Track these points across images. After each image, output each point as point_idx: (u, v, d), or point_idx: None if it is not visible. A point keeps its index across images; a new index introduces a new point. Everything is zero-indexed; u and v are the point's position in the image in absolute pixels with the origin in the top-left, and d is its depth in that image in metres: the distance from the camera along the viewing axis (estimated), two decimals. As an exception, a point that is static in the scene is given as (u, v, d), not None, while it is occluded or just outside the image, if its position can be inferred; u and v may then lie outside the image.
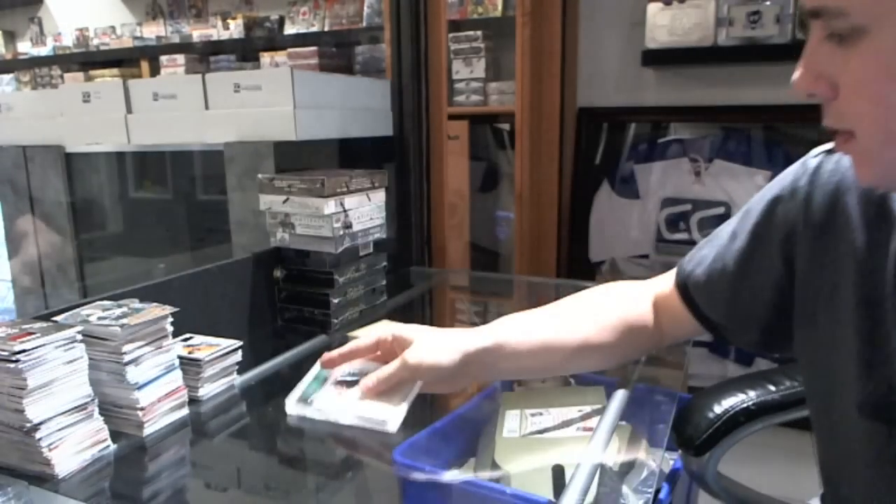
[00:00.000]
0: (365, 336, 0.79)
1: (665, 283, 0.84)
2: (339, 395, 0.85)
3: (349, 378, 0.89)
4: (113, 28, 3.56)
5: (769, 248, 0.69)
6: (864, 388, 0.59)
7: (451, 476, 0.75)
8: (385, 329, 0.79)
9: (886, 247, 0.58)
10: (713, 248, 0.77)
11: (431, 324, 1.42)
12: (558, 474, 0.69)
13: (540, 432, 0.79)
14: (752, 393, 0.91)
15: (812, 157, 0.67)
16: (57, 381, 0.72)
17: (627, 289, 0.87)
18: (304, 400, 0.85)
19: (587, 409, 0.83)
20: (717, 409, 0.90)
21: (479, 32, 2.37)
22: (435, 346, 0.72)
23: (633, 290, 0.86)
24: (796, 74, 0.52)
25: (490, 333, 0.74)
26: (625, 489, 0.72)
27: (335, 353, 0.79)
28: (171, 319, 0.84)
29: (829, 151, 0.66)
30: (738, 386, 0.94)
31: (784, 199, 0.67)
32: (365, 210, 1.27)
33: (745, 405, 0.90)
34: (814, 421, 0.69)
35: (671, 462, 0.95)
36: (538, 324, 0.79)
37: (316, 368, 0.92)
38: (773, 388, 0.92)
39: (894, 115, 0.47)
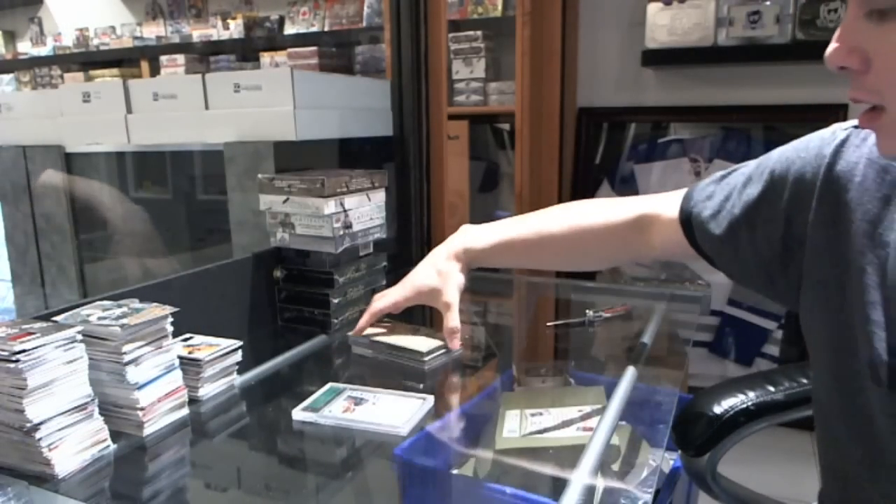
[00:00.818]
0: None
1: (667, 205, 0.85)
2: (349, 411, 0.86)
3: (359, 395, 0.90)
4: (113, 28, 3.56)
5: (777, 203, 0.70)
6: (876, 355, 0.60)
7: (451, 476, 0.75)
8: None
9: (891, 220, 0.60)
10: (724, 189, 0.78)
11: (431, 324, 1.43)
12: (558, 474, 0.69)
13: (540, 432, 0.79)
14: (752, 393, 0.91)
15: (842, 129, 0.68)
16: (57, 381, 0.72)
17: (618, 201, 0.91)
18: (313, 410, 0.86)
19: (587, 409, 0.83)
20: (717, 410, 0.90)
21: (479, 32, 2.37)
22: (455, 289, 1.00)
23: (624, 203, 0.90)
24: (830, 48, 0.53)
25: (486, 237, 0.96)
26: (625, 489, 0.72)
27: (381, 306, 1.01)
28: (171, 319, 0.84)
29: (859, 127, 0.66)
30: (738, 386, 0.94)
31: (805, 159, 0.68)
32: (365, 210, 1.27)
33: (744, 405, 0.90)
34: (819, 392, 0.70)
35: (671, 462, 0.95)
36: (535, 223, 0.92)
37: (327, 385, 0.93)
38: (772, 388, 0.92)
39: None
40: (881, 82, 0.51)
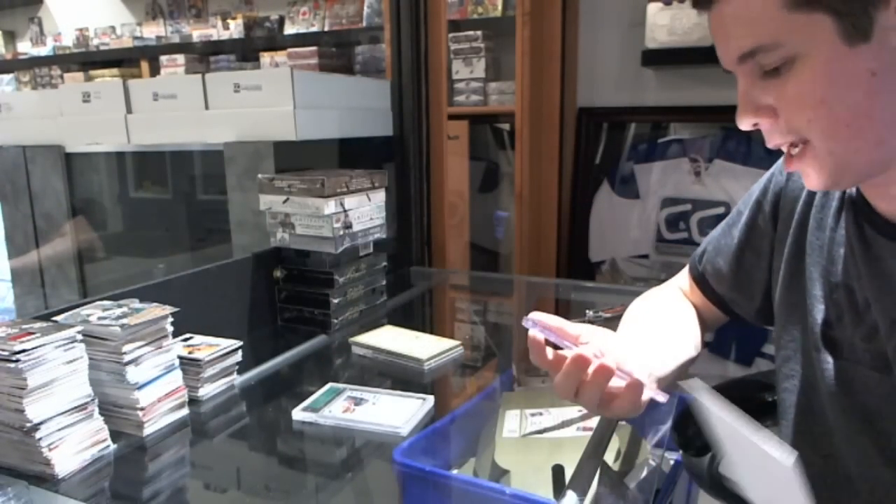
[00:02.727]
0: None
1: (684, 280, 0.91)
2: (349, 411, 0.86)
3: (359, 395, 0.90)
4: (113, 28, 3.56)
5: (765, 216, 0.79)
6: (815, 324, 0.69)
7: (451, 476, 0.75)
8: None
9: (831, 202, 0.70)
10: (719, 229, 0.86)
11: (431, 324, 1.42)
12: (558, 474, 0.69)
13: (540, 432, 0.79)
14: (753, 393, 0.92)
15: None
16: (57, 381, 0.72)
17: (676, 298, 0.89)
18: (313, 410, 0.86)
19: (587, 409, 0.83)
20: None
21: (479, 32, 2.36)
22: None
23: (677, 297, 0.90)
24: (739, 114, 0.61)
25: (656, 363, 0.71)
26: (625, 489, 0.72)
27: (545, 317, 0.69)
28: (171, 319, 0.84)
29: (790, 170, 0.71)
30: (738, 386, 0.94)
31: (775, 174, 0.78)
32: (365, 210, 1.27)
33: (745, 406, 0.90)
34: (779, 371, 0.77)
35: (671, 462, 0.95)
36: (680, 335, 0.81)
37: (327, 385, 0.93)
38: (773, 388, 0.92)
39: (835, 112, 0.56)
40: (794, 121, 0.58)
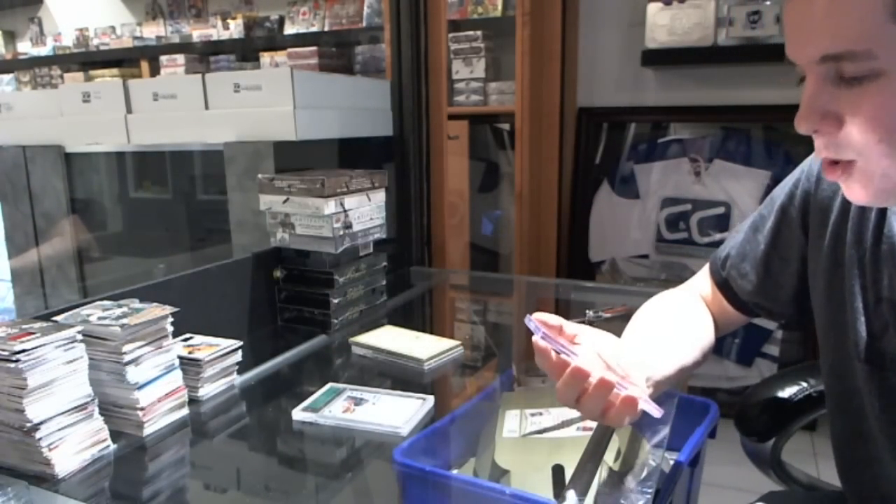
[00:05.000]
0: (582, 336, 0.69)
1: (703, 282, 0.89)
2: (349, 411, 0.86)
3: (359, 396, 0.90)
4: (113, 28, 3.56)
5: (792, 222, 0.77)
6: (859, 336, 0.69)
7: (451, 476, 0.75)
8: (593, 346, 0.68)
9: (869, 215, 0.68)
10: (741, 233, 0.84)
11: (431, 324, 1.42)
12: (558, 474, 0.69)
13: (540, 432, 0.79)
14: (812, 381, 0.94)
15: None
16: (57, 380, 0.72)
17: (689, 301, 0.88)
18: (313, 410, 0.87)
19: (587, 409, 0.83)
20: (781, 396, 0.93)
21: (479, 32, 2.37)
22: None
23: (691, 300, 0.88)
24: (801, 116, 0.57)
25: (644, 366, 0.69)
26: (625, 489, 0.72)
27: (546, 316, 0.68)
28: (171, 319, 0.84)
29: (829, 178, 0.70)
30: (798, 375, 0.97)
31: (802, 180, 0.76)
32: (365, 210, 1.27)
33: (807, 392, 0.93)
34: (824, 375, 0.77)
35: (671, 462, 0.95)
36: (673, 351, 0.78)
37: (327, 385, 0.94)
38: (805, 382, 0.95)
39: None
40: (855, 139, 0.55)
